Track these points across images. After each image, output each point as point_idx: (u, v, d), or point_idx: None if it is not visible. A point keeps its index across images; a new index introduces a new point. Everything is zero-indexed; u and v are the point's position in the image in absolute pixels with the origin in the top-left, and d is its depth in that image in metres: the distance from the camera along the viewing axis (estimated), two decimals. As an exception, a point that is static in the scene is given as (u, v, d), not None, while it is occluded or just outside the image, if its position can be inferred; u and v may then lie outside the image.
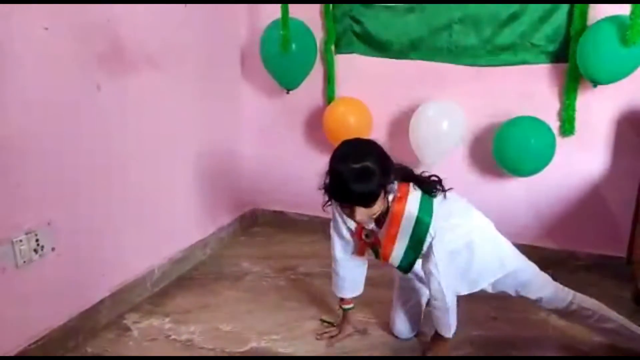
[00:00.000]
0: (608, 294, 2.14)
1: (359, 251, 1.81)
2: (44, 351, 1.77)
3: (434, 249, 1.62)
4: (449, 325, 1.72)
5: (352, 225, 1.72)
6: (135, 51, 2.07)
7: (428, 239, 1.62)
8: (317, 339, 1.94)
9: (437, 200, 1.64)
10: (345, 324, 1.94)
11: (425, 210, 1.61)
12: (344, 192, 1.50)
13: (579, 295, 1.79)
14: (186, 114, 2.42)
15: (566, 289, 1.80)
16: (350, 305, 1.93)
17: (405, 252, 1.67)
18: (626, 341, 1.78)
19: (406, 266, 1.72)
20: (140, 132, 2.14)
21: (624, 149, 2.29)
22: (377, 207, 1.54)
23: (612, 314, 1.78)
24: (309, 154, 2.84)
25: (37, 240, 1.73)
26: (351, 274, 1.87)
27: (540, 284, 1.78)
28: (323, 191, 1.61)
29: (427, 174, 1.67)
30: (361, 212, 1.52)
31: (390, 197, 1.60)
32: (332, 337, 1.92)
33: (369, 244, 1.76)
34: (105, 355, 1.86)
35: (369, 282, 2.36)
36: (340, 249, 1.83)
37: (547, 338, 1.94)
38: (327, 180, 1.56)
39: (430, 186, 1.64)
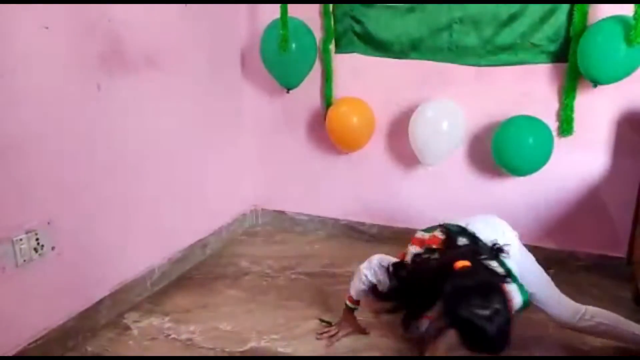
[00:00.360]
0: (608, 294, 2.14)
1: None
2: (43, 350, 1.77)
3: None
4: None
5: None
6: (135, 51, 2.08)
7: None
8: (317, 338, 1.94)
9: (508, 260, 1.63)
10: (344, 322, 1.94)
11: (523, 293, 1.63)
12: (487, 345, 1.42)
13: (592, 308, 1.78)
14: (186, 113, 2.42)
15: (579, 305, 1.78)
16: (356, 306, 1.92)
17: None
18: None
19: None
20: (140, 131, 2.14)
21: (623, 149, 2.28)
22: None
23: (630, 325, 1.76)
24: (310, 153, 2.84)
25: (37, 239, 1.73)
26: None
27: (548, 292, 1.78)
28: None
29: (490, 244, 1.63)
30: None
31: None
32: (331, 336, 1.92)
33: None
34: (105, 354, 1.86)
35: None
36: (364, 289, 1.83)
37: (547, 338, 1.94)
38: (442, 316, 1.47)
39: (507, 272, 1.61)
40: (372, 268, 1.80)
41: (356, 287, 1.86)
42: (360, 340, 1.93)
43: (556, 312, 1.78)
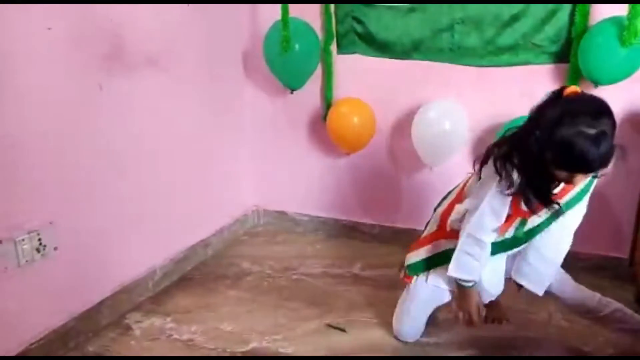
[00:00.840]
0: (610, 295, 2.12)
1: (504, 227, 1.65)
2: (45, 350, 1.78)
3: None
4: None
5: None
6: (137, 51, 2.08)
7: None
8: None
9: None
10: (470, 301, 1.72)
11: None
12: (586, 165, 1.33)
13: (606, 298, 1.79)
14: (188, 114, 2.43)
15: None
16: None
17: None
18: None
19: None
20: (142, 131, 2.15)
21: (625, 150, 2.27)
22: None
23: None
24: (312, 154, 2.84)
25: (39, 239, 1.73)
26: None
27: None
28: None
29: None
30: (581, 177, 1.41)
31: None
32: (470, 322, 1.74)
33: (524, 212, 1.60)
34: (106, 354, 1.87)
35: (371, 283, 2.36)
36: (492, 232, 1.62)
37: (547, 338, 1.94)
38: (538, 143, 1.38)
39: None
40: (481, 239, 1.61)
41: (477, 267, 1.63)
42: (361, 341, 1.93)
43: (578, 290, 1.80)
